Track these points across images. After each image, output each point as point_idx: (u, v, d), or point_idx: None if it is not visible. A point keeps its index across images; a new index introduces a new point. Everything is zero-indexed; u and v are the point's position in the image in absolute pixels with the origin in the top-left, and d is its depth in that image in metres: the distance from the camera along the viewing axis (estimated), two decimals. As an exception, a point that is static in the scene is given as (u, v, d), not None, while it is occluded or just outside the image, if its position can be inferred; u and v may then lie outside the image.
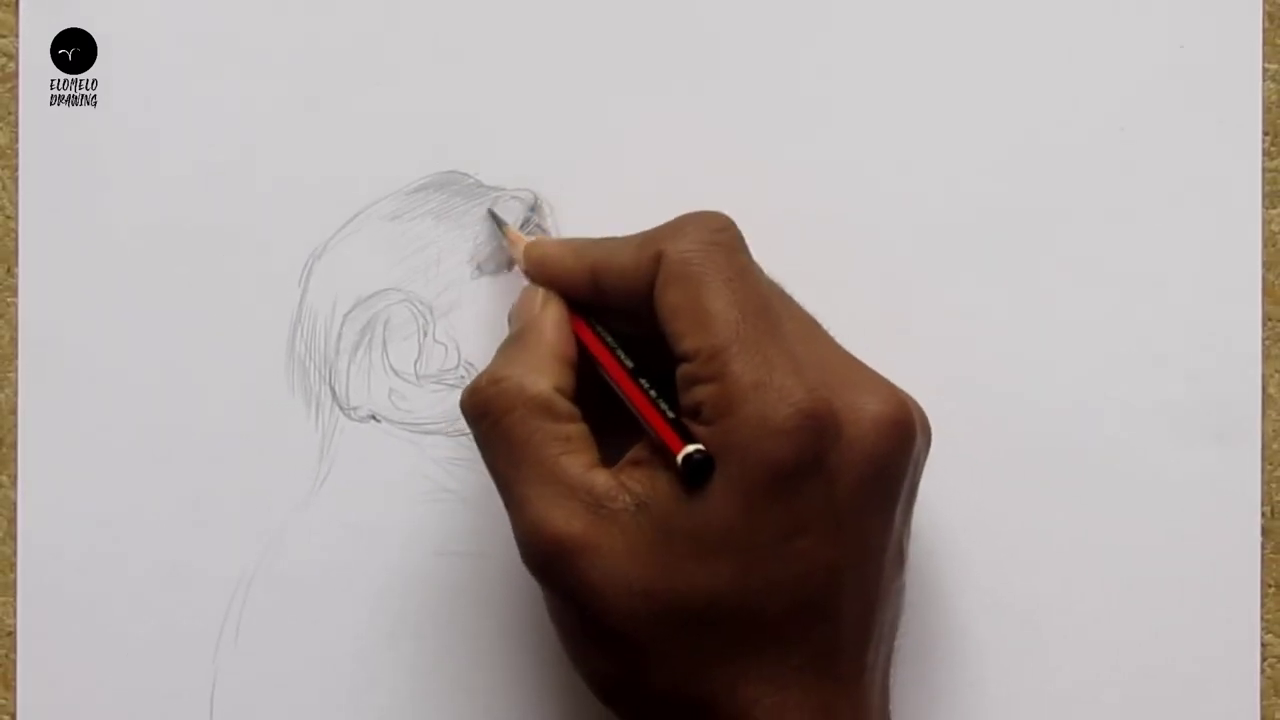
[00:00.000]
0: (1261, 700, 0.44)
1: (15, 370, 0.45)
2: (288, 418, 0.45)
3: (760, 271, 0.38)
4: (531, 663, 0.44)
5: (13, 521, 0.45)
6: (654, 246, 0.37)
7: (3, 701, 0.45)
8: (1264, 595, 0.44)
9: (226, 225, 0.45)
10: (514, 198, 0.45)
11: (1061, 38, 0.45)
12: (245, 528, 0.45)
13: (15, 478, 0.45)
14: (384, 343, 0.45)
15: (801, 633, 0.35)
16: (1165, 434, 0.44)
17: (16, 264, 0.45)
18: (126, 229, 0.45)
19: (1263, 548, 0.44)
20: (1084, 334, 0.44)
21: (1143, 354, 0.44)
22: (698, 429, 0.35)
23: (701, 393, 0.35)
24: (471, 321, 0.45)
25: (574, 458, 0.37)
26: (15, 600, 0.45)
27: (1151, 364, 0.44)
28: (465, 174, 0.45)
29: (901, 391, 0.37)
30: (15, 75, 0.45)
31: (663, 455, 0.36)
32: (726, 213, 0.38)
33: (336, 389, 0.45)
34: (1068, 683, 0.44)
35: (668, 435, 0.36)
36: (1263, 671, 0.44)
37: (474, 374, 0.44)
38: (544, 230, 0.44)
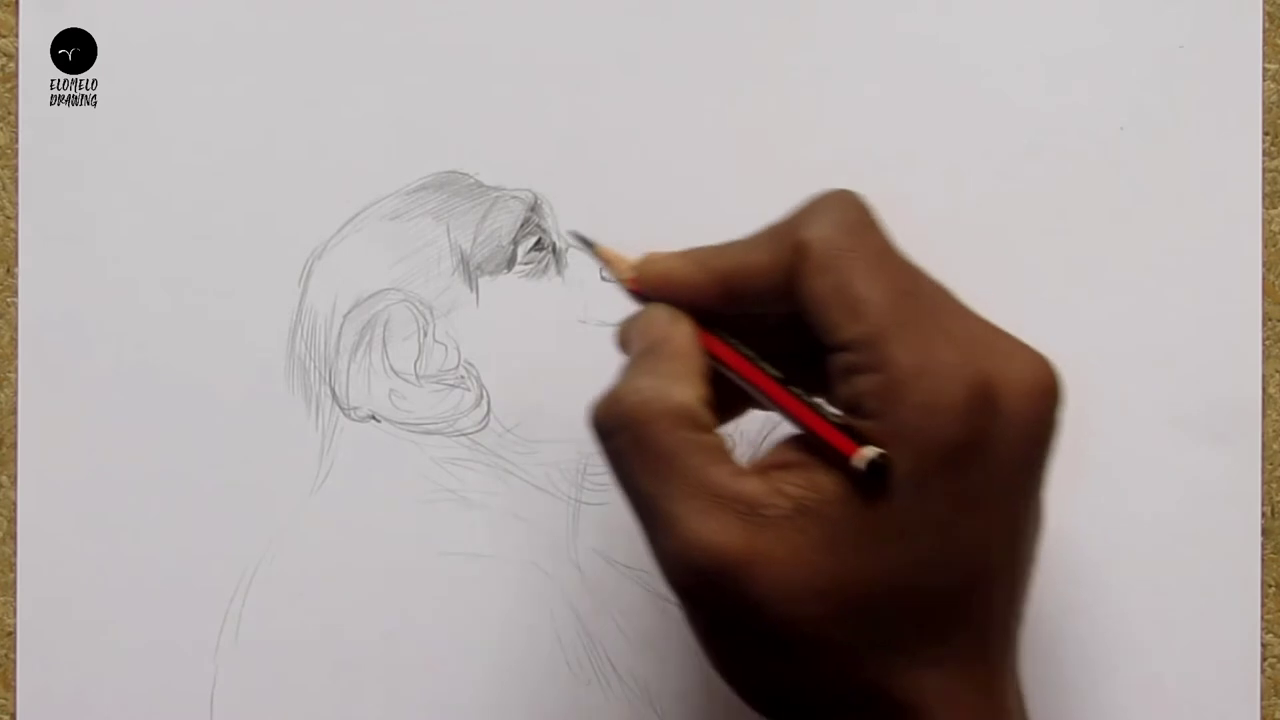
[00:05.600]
0: (1262, 700, 0.44)
1: (15, 370, 0.45)
2: (288, 418, 0.45)
3: (898, 246, 0.36)
4: (530, 662, 0.44)
5: (13, 521, 0.45)
6: (790, 237, 0.36)
7: (3, 701, 0.45)
8: (1264, 595, 0.44)
9: (226, 225, 0.45)
10: (514, 198, 0.45)
11: (1062, 37, 0.45)
12: (245, 528, 0.45)
13: (15, 478, 0.45)
14: (384, 343, 0.45)
15: (962, 612, 0.35)
16: (1165, 434, 0.44)
17: (16, 264, 0.45)
18: (126, 229, 0.45)
19: (1263, 548, 0.44)
20: (1084, 334, 0.44)
21: (1143, 354, 0.44)
22: (862, 424, 0.34)
23: (864, 383, 0.34)
24: (471, 321, 0.45)
25: (721, 467, 0.35)
26: (15, 600, 0.45)
27: (1151, 364, 0.44)
28: (465, 174, 0.45)
29: (1041, 354, 0.36)
30: (15, 75, 0.45)
31: (824, 456, 0.34)
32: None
33: (336, 389, 0.45)
34: (1068, 682, 0.44)
35: (839, 440, 0.34)
36: (1263, 671, 0.44)
37: (474, 374, 0.44)
38: (544, 230, 0.44)
